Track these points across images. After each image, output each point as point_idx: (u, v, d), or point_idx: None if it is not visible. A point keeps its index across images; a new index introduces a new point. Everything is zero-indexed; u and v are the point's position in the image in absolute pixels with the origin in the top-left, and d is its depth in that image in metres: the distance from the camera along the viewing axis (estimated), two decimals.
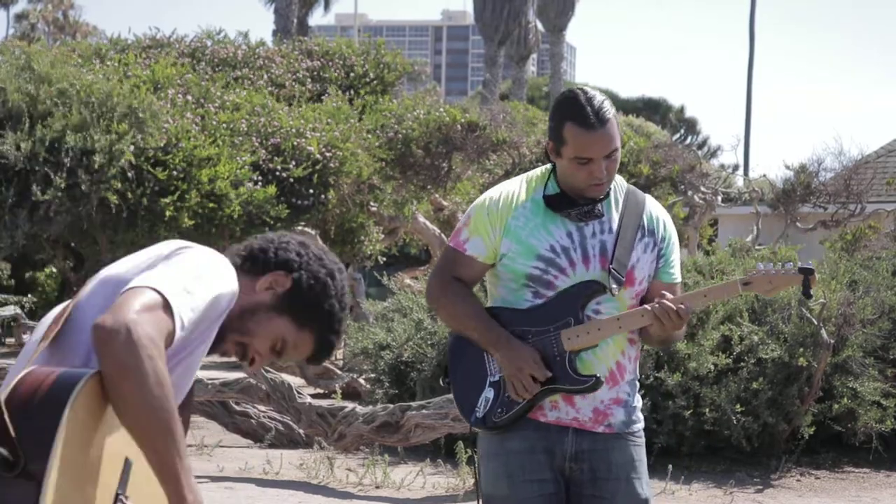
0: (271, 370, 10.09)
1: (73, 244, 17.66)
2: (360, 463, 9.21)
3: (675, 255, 3.78)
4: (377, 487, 8.59)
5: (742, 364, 9.24)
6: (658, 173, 16.35)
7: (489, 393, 3.67)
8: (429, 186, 17.02)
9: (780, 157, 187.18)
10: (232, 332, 2.53)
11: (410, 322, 10.51)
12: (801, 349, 9.17)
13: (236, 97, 16.69)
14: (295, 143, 15.97)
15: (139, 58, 17.90)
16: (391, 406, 9.37)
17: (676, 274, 3.76)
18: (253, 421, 10.33)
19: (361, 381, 12.86)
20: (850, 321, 9.46)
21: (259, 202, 15.21)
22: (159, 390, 2.20)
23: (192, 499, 2.26)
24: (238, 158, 15.34)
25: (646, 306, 3.60)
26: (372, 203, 17.35)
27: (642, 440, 3.75)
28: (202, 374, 9.93)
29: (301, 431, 10.04)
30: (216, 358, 2.88)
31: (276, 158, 15.83)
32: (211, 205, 14.93)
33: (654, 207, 3.76)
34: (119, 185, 14.13)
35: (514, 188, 3.70)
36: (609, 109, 3.54)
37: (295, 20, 36.89)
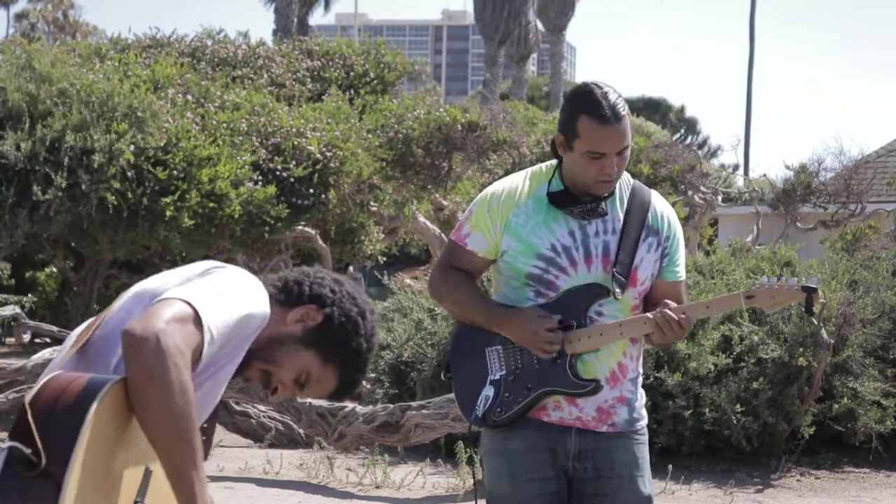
0: None
1: (73, 244, 17.67)
2: (360, 463, 9.20)
3: (680, 252, 3.75)
4: (377, 487, 8.58)
5: (742, 364, 9.24)
6: (658, 173, 16.35)
7: (489, 391, 3.66)
8: (429, 186, 17.03)
9: (780, 157, 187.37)
10: (258, 359, 2.55)
11: (410, 322, 10.50)
12: (801, 349, 9.17)
13: (236, 97, 16.69)
14: (295, 143, 15.97)
15: (139, 57, 17.91)
16: (391, 406, 9.37)
17: (681, 272, 3.74)
18: (253, 421, 10.33)
19: None
20: (850, 321, 9.46)
21: (259, 202, 15.21)
22: (182, 400, 2.22)
23: None
24: (238, 158, 15.35)
25: (648, 315, 3.58)
26: (372, 203, 17.36)
27: (645, 437, 3.74)
28: None
29: (301, 431, 10.04)
30: None
31: (276, 158, 15.84)
32: (211, 204, 14.94)
33: (659, 204, 3.72)
34: (119, 184, 14.13)
35: (518, 183, 3.67)
36: (623, 106, 3.52)
37: (295, 20, 36.89)
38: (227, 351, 2.43)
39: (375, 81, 20.10)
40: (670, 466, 8.45)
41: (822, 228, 15.69)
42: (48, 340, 15.91)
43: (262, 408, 10.35)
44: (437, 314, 10.14)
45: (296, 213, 15.96)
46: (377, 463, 8.79)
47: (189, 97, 16.24)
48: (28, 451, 2.11)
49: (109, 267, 18.77)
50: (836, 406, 9.26)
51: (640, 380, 3.76)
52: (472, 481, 8.26)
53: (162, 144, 14.66)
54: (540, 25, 52.92)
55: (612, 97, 3.50)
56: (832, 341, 9.16)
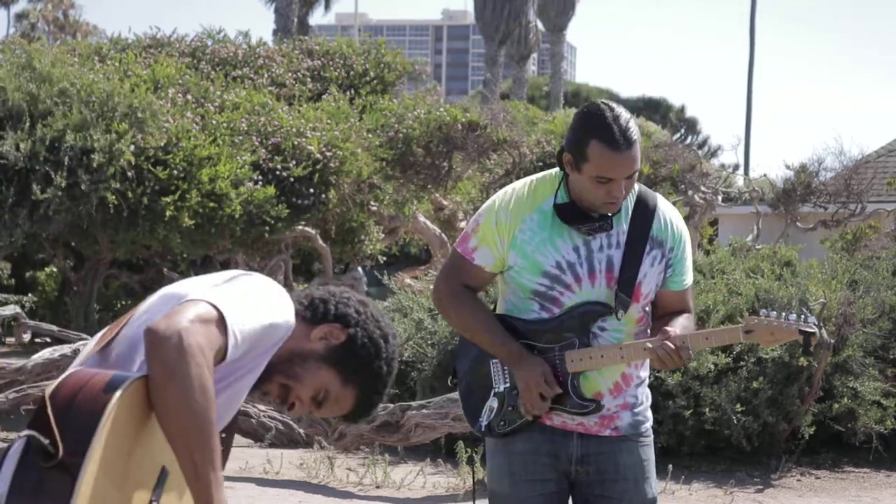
0: None
1: (73, 243, 17.66)
2: (361, 462, 9.20)
3: (687, 260, 3.71)
4: (377, 487, 8.58)
5: (742, 363, 9.24)
6: (658, 173, 16.34)
7: (493, 402, 3.67)
8: (429, 186, 17.02)
9: (781, 156, 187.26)
10: (279, 373, 2.55)
11: (411, 322, 10.50)
12: (801, 349, 9.17)
13: (236, 97, 16.69)
14: (295, 143, 15.97)
15: (139, 57, 17.90)
16: (391, 405, 9.36)
17: (687, 279, 3.71)
18: (253, 420, 10.32)
19: None
20: (850, 321, 9.46)
21: (259, 202, 15.20)
22: (203, 398, 2.23)
23: None
24: (238, 158, 15.35)
25: (648, 344, 3.56)
26: (372, 203, 17.35)
27: (650, 439, 3.74)
28: None
29: (301, 431, 10.04)
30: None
31: (276, 158, 15.83)
32: (211, 204, 14.93)
33: (665, 210, 3.67)
34: (119, 184, 14.13)
35: (524, 192, 3.62)
36: (634, 129, 3.44)
37: (295, 20, 36.88)
38: (249, 359, 2.44)
39: (376, 81, 20.09)
40: (670, 466, 8.45)
41: (823, 228, 15.68)
42: (48, 340, 15.90)
43: (262, 407, 10.34)
44: (437, 314, 10.14)
45: (296, 212, 15.95)
46: (377, 463, 8.79)
47: (189, 97, 16.23)
48: (46, 441, 2.12)
49: (109, 267, 18.77)
50: (836, 406, 9.26)
51: (647, 382, 3.75)
52: (472, 481, 8.27)
53: (162, 144, 14.66)
54: (540, 25, 52.92)
55: (623, 121, 3.42)
56: (832, 341, 9.16)
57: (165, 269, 18.81)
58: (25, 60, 14.62)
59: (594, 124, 3.43)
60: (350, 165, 16.13)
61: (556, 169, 3.64)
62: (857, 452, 9.59)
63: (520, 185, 3.68)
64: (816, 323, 3.73)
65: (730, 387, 9.09)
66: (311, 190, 15.95)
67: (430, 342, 10.04)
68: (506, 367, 3.65)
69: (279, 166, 15.71)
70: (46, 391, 2.19)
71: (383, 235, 19.19)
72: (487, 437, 3.71)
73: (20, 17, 57.35)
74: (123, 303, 20.44)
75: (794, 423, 9.34)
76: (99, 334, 2.49)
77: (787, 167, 16.36)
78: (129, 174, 14.28)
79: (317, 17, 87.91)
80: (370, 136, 16.73)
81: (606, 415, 3.63)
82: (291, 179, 15.76)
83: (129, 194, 14.39)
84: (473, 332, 3.66)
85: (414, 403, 9.25)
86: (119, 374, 2.23)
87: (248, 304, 2.42)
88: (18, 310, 15.94)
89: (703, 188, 17.03)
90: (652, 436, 3.75)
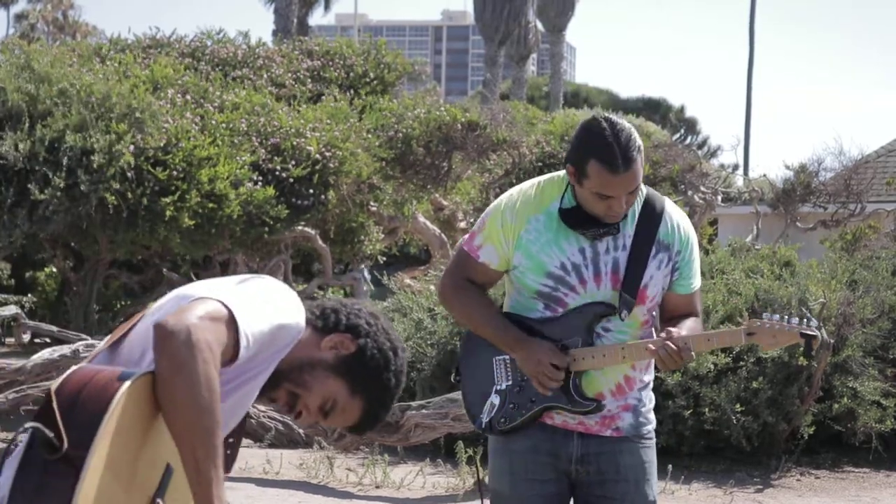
0: None
1: (73, 244, 17.66)
2: (360, 463, 9.20)
3: (694, 263, 3.70)
4: (377, 487, 8.58)
5: (742, 363, 9.24)
6: (658, 173, 16.35)
7: (495, 399, 3.67)
8: (429, 186, 17.03)
9: (780, 157, 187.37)
10: (288, 380, 2.55)
11: (410, 322, 10.50)
12: (801, 349, 9.17)
13: (235, 97, 16.69)
14: (294, 143, 15.97)
15: (139, 58, 17.91)
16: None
17: (694, 283, 3.70)
18: (252, 420, 10.32)
19: None
20: (849, 321, 9.46)
21: (259, 202, 15.21)
22: (208, 394, 2.23)
23: None
24: (238, 158, 15.35)
25: (650, 344, 3.55)
26: (372, 203, 17.35)
27: (652, 440, 3.73)
28: None
29: (301, 431, 10.04)
30: None
31: (275, 158, 15.83)
32: (211, 205, 14.94)
33: (673, 214, 3.66)
34: (118, 184, 14.13)
35: (530, 195, 3.62)
36: (635, 146, 3.41)
37: (295, 20, 36.89)
38: (260, 360, 2.44)
39: (375, 82, 20.10)
40: (670, 466, 8.45)
41: (822, 228, 15.69)
42: (48, 340, 15.89)
43: (262, 407, 10.34)
44: (436, 314, 10.14)
45: (295, 213, 15.96)
46: (377, 463, 8.79)
47: (188, 97, 16.24)
48: (51, 434, 2.12)
49: (109, 267, 18.77)
50: (835, 406, 9.26)
51: (651, 384, 3.74)
52: (472, 481, 8.28)
53: (161, 145, 14.67)
54: (540, 25, 52.92)
55: (624, 138, 3.39)
56: (832, 341, 9.15)
57: (165, 270, 18.82)
58: (25, 61, 14.63)
59: (594, 143, 3.42)
60: (350, 166, 16.13)
61: (564, 171, 3.63)
62: (857, 452, 9.59)
63: (527, 185, 3.68)
64: (818, 326, 3.72)
65: (729, 387, 9.09)
66: (311, 190, 15.96)
67: (429, 342, 10.04)
68: (508, 365, 3.65)
69: (279, 167, 15.72)
70: (52, 386, 2.21)
71: (383, 236, 19.19)
72: (488, 434, 3.71)
73: (20, 17, 57.36)
74: (123, 303, 20.44)
75: (794, 423, 9.33)
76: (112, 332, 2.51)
77: (787, 167, 16.39)
78: (129, 175, 14.29)
79: (316, 18, 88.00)
80: (370, 136, 16.74)
81: (607, 415, 3.63)
82: (291, 180, 15.77)
83: (129, 195, 14.40)
84: (476, 323, 3.67)
85: (413, 403, 9.25)
86: (126, 371, 2.24)
87: (259, 304, 2.42)
88: (18, 310, 15.95)
89: (702, 188, 17.04)
90: (654, 438, 3.74)
